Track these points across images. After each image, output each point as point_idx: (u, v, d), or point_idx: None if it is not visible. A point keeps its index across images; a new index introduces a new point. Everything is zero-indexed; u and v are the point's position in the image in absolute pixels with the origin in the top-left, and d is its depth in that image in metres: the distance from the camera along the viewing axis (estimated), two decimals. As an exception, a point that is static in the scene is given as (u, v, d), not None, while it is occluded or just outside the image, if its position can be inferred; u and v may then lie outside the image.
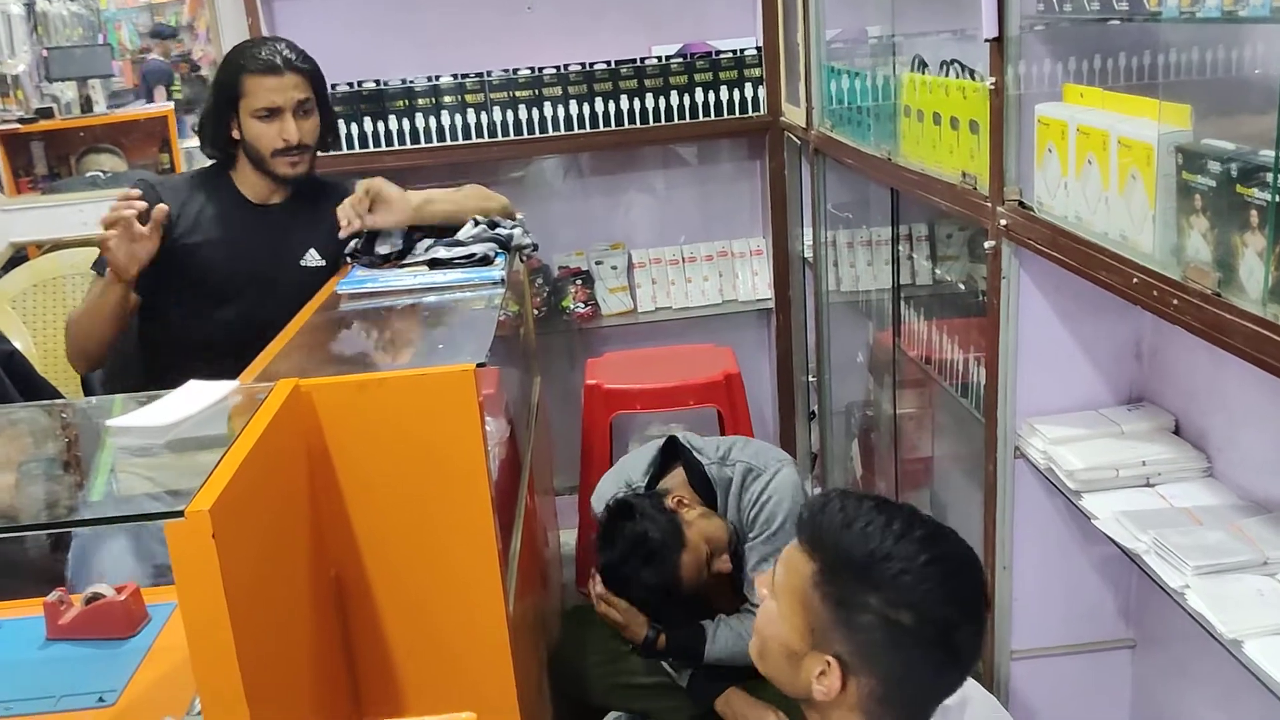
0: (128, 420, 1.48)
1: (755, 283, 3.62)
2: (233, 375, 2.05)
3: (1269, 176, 1.11)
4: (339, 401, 1.59)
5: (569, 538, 3.34)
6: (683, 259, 3.64)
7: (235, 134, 2.34)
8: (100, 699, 1.48)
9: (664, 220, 3.67)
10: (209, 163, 2.47)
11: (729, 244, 3.65)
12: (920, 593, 1.30)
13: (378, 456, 1.62)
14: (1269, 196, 1.11)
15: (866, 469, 3.10)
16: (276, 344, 1.86)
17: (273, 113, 2.29)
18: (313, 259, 2.39)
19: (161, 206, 2.18)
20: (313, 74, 2.35)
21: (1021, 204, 1.70)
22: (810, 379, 3.33)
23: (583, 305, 3.54)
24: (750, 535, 2.39)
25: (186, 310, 2.35)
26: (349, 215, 2.24)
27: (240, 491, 1.26)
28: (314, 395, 1.57)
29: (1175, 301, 1.27)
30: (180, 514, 1.17)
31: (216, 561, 1.18)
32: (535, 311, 3.43)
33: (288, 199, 2.42)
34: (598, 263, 3.60)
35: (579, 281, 3.57)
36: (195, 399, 1.52)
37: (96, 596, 1.65)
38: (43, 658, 1.61)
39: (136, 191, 2.24)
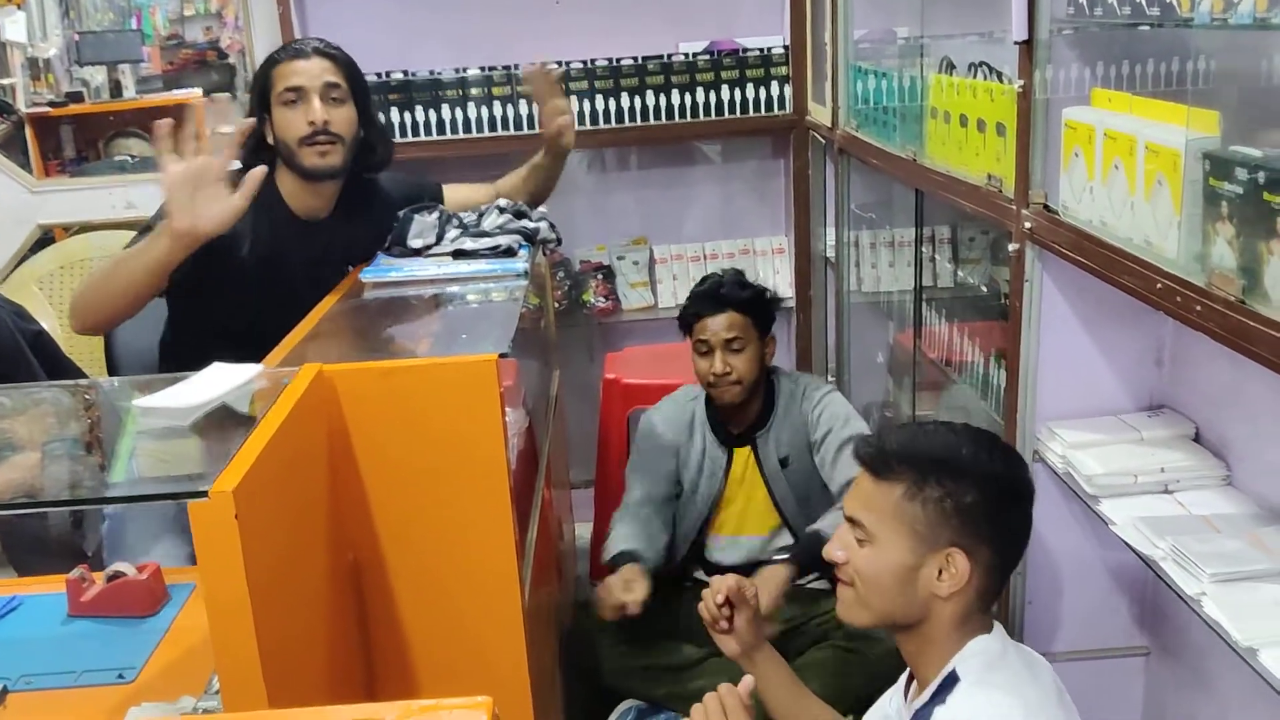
0: (153, 401, 1.50)
1: (777, 281, 3.61)
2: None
3: (1297, 184, 1.11)
4: (362, 387, 1.60)
5: (584, 531, 3.35)
6: (704, 256, 3.63)
7: (270, 139, 2.23)
8: (120, 675, 1.50)
9: (687, 216, 3.68)
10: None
11: (751, 242, 3.65)
12: (994, 460, 1.49)
13: (399, 443, 1.63)
14: (1296, 204, 1.11)
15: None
16: (301, 330, 1.88)
17: (298, 95, 2.18)
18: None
19: (258, 171, 1.95)
20: (347, 64, 2.26)
21: (1046, 207, 1.70)
22: (830, 379, 3.33)
23: (603, 299, 3.55)
24: (821, 434, 2.50)
25: (225, 318, 2.23)
26: None
27: (263, 474, 1.27)
28: (337, 381, 1.59)
29: (1199, 308, 1.27)
30: (204, 494, 1.18)
31: (239, 542, 1.19)
32: (556, 305, 3.44)
33: (334, 213, 2.32)
34: (619, 258, 3.60)
35: (600, 276, 3.58)
36: (220, 381, 1.53)
37: (118, 574, 1.67)
38: (64, 634, 1.63)
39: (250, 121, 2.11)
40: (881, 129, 2.59)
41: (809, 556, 2.29)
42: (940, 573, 1.46)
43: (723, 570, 2.58)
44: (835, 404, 2.54)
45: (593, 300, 3.55)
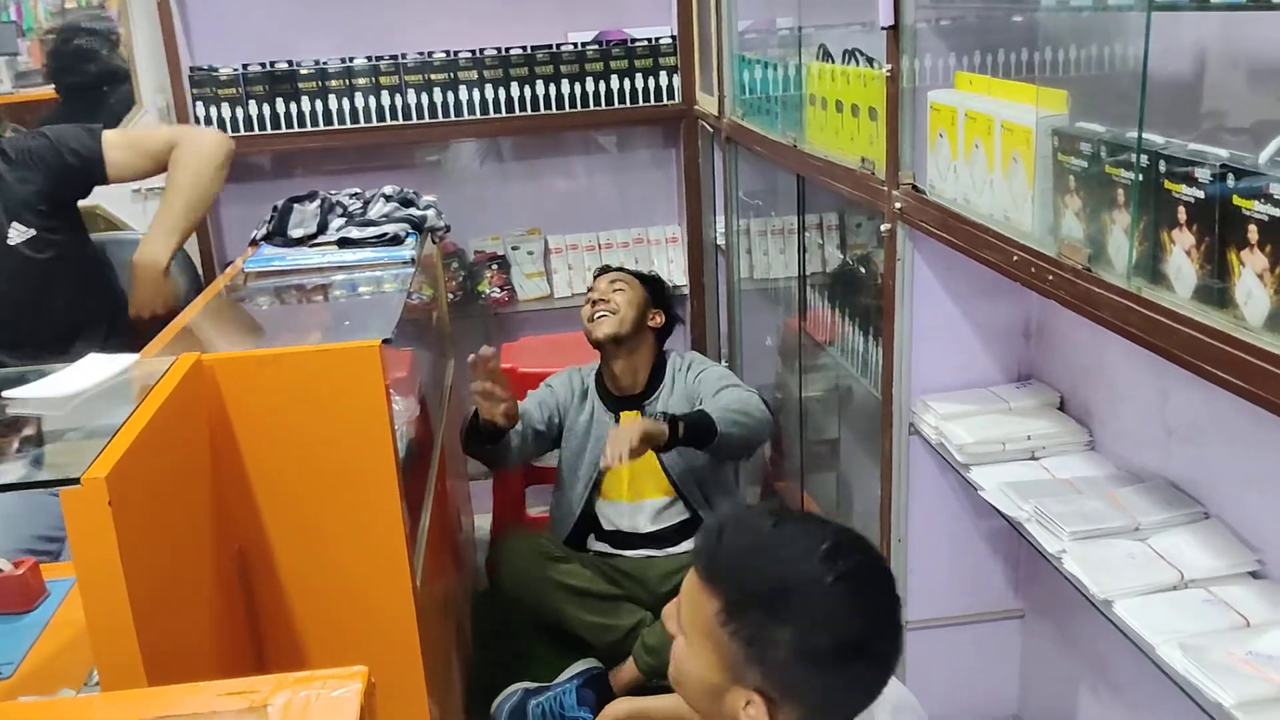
0: (26, 391, 1.47)
1: (671, 270, 3.65)
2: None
3: (1134, 157, 1.17)
4: (242, 376, 1.59)
5: (483, 522, 3.34)
6: (599, 245, 3.66)
7: None
8: (-4, 672, 1.47)
9: (581, 206, 3.69)
10: None
11: (645, 231, 3.68)
12: (833, 615, 1.21)
13: (282, 432, 1.62)
14: (1134, 176, 1.17)
15: (776, 451, 3.16)
16: (182, 319, 1.85)
17: None
18: (17, 233, 2.33)
19: None
20: None
21: (915, 187, 1.76)
22: (724, 363, 3.38)
23: (499, 290, 3.55)
24: (706, 393, 2.61)
25: None
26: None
27: (138, 461, 1.26)
28: (216, 369, 1.57)
29: (1051, 277, 1.33)
30: (76, 481, 1.17)
31: (113, 529, 1.18)
32: (450, 296, 3.43)
33: None
34: (514, 248, 3.61)
35: (495, 266, 3.58)
36: (95, 371, 1.51)
37: (-7, 571, 1.63)
38: (-63, 633, 1.58)
39: None
40: (765, 117, 2.64)
41: (690, 430, 2.38)
42: (747, 704, 1.23)
43: (623, 538, 2.64)
44: (718, 369, 2.74)
45: (488, 291, 3.55)
